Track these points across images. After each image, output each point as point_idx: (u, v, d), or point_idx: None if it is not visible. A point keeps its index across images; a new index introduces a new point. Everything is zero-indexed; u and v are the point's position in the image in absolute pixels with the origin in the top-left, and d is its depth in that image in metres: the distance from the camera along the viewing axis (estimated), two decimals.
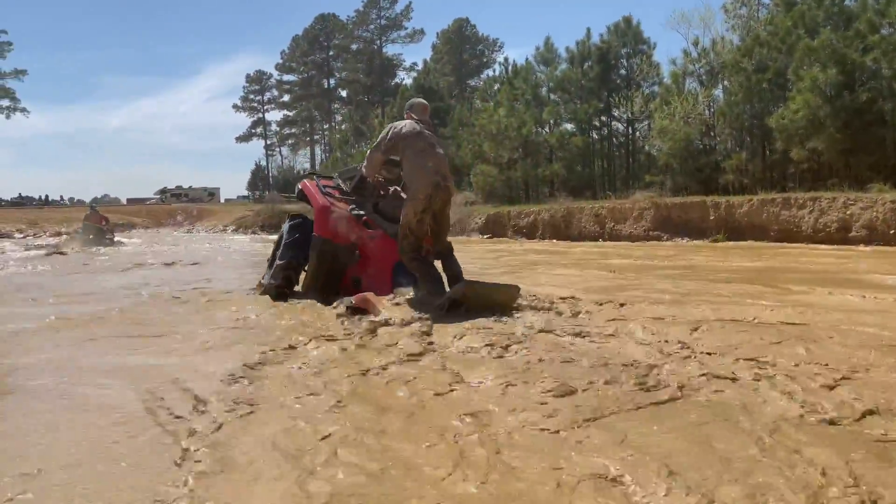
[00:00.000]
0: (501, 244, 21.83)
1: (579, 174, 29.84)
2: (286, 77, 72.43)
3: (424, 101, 5.70)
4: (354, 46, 68.44)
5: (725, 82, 24.29)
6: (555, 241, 22.79)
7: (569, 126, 30.39)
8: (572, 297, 5.92)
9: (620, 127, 30.13)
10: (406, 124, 5.34)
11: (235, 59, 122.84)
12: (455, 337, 4.16)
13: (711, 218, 19.48)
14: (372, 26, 67.18)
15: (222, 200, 69.70)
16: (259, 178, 66.54)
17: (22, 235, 35.35)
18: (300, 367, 3.61)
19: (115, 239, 23.63)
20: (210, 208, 55.21)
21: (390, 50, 68.16)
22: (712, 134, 24.54)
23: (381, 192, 6.05)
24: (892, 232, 15.40)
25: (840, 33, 19.75)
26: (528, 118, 29.45)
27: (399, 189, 5.87)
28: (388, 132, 5.37)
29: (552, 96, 30.84)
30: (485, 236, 26.31)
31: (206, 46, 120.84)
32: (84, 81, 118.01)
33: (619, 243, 20.26)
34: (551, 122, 30.40)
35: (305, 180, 6.54)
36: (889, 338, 4.03)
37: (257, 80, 73.10)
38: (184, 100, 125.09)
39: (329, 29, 68.78)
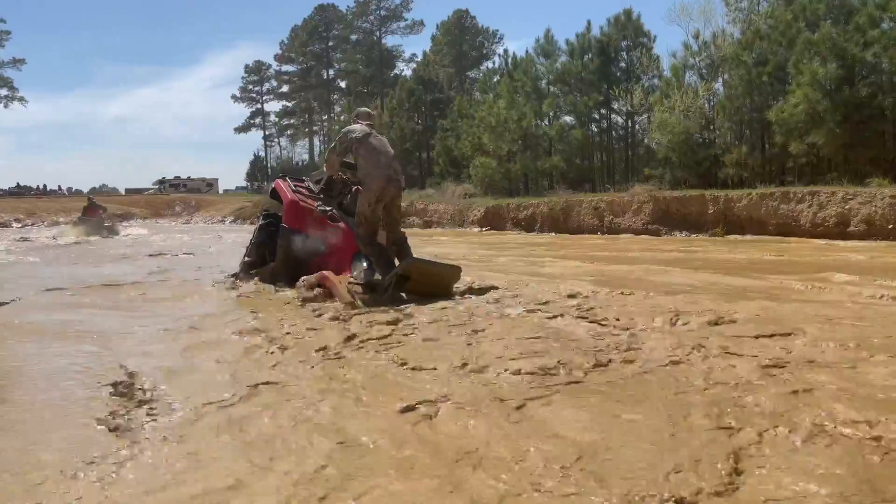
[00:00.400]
0: (502, 236, 21.84)
1: (578, 167, 29.80)
2: (285, 68, 72.16)
3: (368, 110, 6.70)
4: (354, 37, 68.16)
5: (725, 76, 24.24)
6: (553, 234, 22.80)
7: (568, 119, 30.33)
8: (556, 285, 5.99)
9: (620, 120, 30.08)
10: (357, 128, 6.11)
11: (235, 50, 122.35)
12: (400, 323, 4.46)
13: (710, 212, 19.48)
14: (371, 17, 66.88)
15: (221, 191, 69.39)
16: (258, 169, 66.32)
17: (20, 225, 35.29)
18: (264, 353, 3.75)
19: (114, 227, 23.80)
20: (208, 199, 55.06)
21: (390, 41, 67.97)
22: (712, 127, 24.50)
23: (346, 193, 6.74)
24: (890, 226, 15.42)
25: (840, 27, 19.70)
26: (528, 110, 29.40)
27: (361, 189, 6.37)
28: (342, 135, 6.16)
29: (552, 89, 30.74)
30: (483, 229, 26.31)
31: (206, 36, 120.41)
32: (82, 70, 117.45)
33: (619, 236, 20.28)
34: (551, 114, 30.34)
35: (279, 180, 7.31)
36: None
37: (256, 71, 72.79)
38: (182, 89, 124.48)
39: (328, 19, 68.46)
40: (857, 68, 19.32)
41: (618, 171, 29.43)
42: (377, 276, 5.74)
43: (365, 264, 5.98)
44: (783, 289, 6.50)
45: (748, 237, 17.54)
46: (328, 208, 6.56)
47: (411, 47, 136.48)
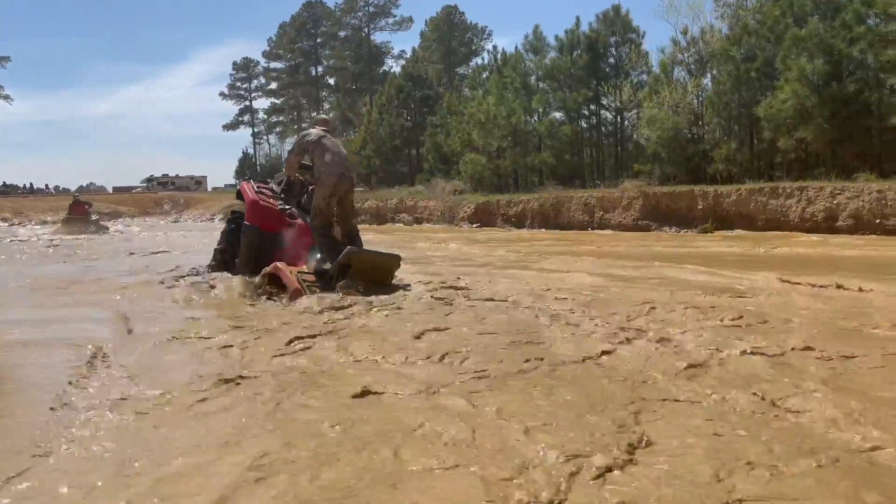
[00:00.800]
0: (492, 233, 21.86)
1: (568, 163, 29.84)
2: (273, 64, 71.86)
3: (326, 117, 7.88)
4: (342, 34, 67.94)
5: (714, 71, 24.34)
6: (543, 229, 22.85)
7: (558, 115, 30.38)
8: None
9: (609, 116, 30.14)
10: (313, 132, 6.76)
11: (222, 46, 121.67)
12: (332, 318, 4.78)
13: (699, 207, 19.59)
14: (360, 13, 66.70)
15: (209, 189, 69.01)
16: (246, 167, 65.91)
17: (7, 224, 35.02)
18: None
19: (102, 224, 23.77)
20: (197, 197, 54.78)
21: (378, 37, 67.82)
22: (700, 123, 24.60)
23: (304, 192, 7.31)
24: (877, 221, 15.56)
25: (827, 23, 19.81)
26: (517, 107, 29.41)
27: (316, 186, 6.87)
28: (299, 138, 6.87)
29: (541, 85, 30.77)
30: (474, 225, 26.33)
31: (193, 33, 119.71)
32: (69, 68, 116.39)
33: (615, 232, 20.34)
34: (540, 110, 30.36)
35: (244, 183, 7.96)
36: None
37: (244, 68, 72.41)
38: (170, 87, 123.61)
39: (317, 16, 68.20)
40: (844, 64, 19.44)
41: (607, 167, 29.50)
42: (326, 265, 6.23)
43: (318, 256, 6.43)
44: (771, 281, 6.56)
45: (742, 232, 17.64)
46: (287, 207, 7.21)
47: (400, 44, 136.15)
